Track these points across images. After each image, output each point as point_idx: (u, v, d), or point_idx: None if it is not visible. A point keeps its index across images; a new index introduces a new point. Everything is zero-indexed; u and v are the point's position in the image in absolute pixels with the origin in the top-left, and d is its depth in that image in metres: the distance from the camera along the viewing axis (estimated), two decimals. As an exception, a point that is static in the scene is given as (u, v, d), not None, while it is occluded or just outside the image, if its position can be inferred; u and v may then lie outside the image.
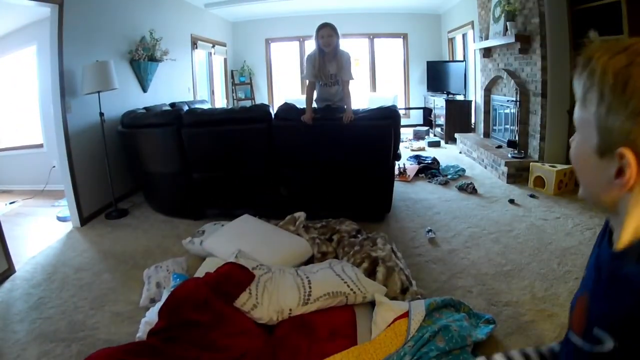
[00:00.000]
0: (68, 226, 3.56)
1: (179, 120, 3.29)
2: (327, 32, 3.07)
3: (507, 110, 4.89)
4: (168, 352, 1.65)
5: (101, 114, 3.56)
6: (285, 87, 8.78)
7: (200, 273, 2.26)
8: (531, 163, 4.09)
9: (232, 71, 8.19)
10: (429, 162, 4.92)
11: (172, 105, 4.81)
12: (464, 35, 7.08)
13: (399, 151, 3.32)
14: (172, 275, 2.34)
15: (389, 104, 4.00)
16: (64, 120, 3.40)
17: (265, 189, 3.37)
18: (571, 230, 2.99)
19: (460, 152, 5.87)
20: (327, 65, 3.21)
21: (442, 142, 6.62)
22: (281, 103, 3.43)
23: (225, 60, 7.93)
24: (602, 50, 0.52)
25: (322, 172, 3.27)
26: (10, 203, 4.38)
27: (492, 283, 2.34)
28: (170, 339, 1.73)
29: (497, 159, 4.47)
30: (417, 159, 5.10)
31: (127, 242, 3.16)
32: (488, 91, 5.53)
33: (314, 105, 3.42)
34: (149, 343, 1.70)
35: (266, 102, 8.18)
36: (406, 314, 1.83)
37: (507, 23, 4.44)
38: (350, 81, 3.25)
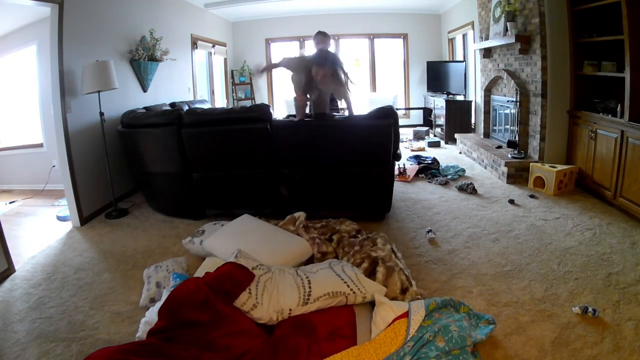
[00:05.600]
0: (68, 226, 3.56)
1: (179, 120, 3.29)
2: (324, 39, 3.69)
3: (507, 111, 4.89)
4: (168, 352, 1.65)
5: (101, 114, 3.56)
6: (286, 87, 8.76)
7: (200, 273, 2.27)
8: (531, 163, 4.09)
9: (232, 71, 8.19)
10: (429, 162, 4.92)
11: (172, 105, 4.81)
12: (464, 36, 7.08)
13: (399, 151, 3.33)
14: (172, 275, 2.34)
15: (388, 104, 4.01)
16: (64, 120, 3.40)
17: (265, 189, 3.38)
18: (571, 231, 3.00)
19: (460, 153, 5.87)
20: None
21: (442, 143, 6.63)
22: (281, 103, 3.44)
23: (225, 60, 7.93)
24: None
25: (322, 172, 3.27)
26: (10, 203, 4.38)
27: (492, 283, 2.35)
28: (170, 338, 1.73)
29: (497, 159, 4.47)
30: (417, 159, 5.10)
31: (127, 242, 3.16)
32: (488, 91, 5.53)
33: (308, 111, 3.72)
34: (149, 343, 1.70)
35: (266, 102, 8.18)
36: (406, 314, 1.83)
37: (507, 23, 4.44)
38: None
